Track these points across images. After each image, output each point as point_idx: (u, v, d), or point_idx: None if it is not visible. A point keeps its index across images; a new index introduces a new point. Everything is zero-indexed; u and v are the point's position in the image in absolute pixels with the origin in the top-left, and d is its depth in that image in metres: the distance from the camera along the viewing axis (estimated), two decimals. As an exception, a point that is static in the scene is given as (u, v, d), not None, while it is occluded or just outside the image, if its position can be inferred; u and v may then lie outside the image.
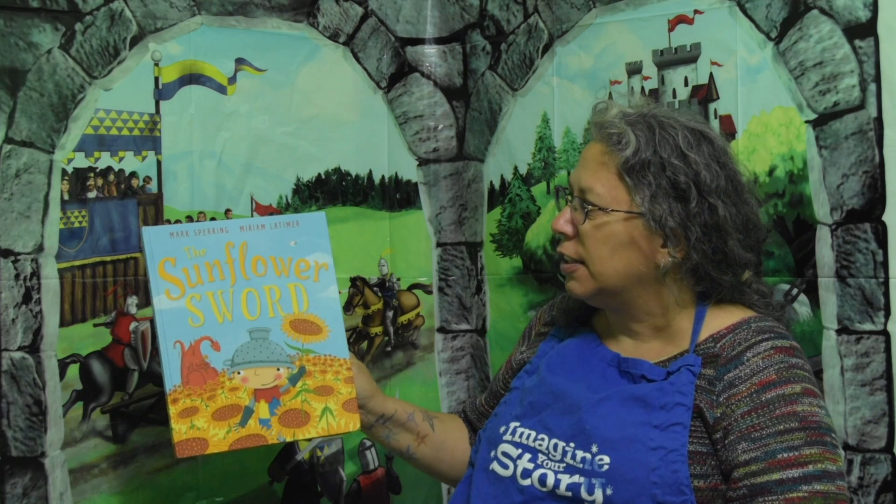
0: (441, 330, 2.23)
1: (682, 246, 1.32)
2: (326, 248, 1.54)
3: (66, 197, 1.74)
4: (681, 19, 1.79)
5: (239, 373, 1.45)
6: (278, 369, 1.48)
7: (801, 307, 1.64)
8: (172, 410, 1.42)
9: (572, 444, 1.32)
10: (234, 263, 1.49)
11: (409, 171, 2.20)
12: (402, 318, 2.20)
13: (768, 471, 1.22)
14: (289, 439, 1.47)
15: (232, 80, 1.93)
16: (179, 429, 1.41)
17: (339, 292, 1.57)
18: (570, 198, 1.41)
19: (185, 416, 1.42)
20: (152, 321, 1.82)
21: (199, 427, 1.42)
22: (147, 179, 1.84)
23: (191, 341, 1.44)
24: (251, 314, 1.48)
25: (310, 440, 2.05)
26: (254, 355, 1.47)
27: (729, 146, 1.40)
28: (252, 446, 1.45)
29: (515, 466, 1.36)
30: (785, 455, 1.22)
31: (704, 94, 1.77)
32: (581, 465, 1.29)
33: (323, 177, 2.07)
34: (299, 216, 1.56)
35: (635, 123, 1.35)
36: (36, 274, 1.71)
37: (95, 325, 1.78)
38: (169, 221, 1.84)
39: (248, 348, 1.47)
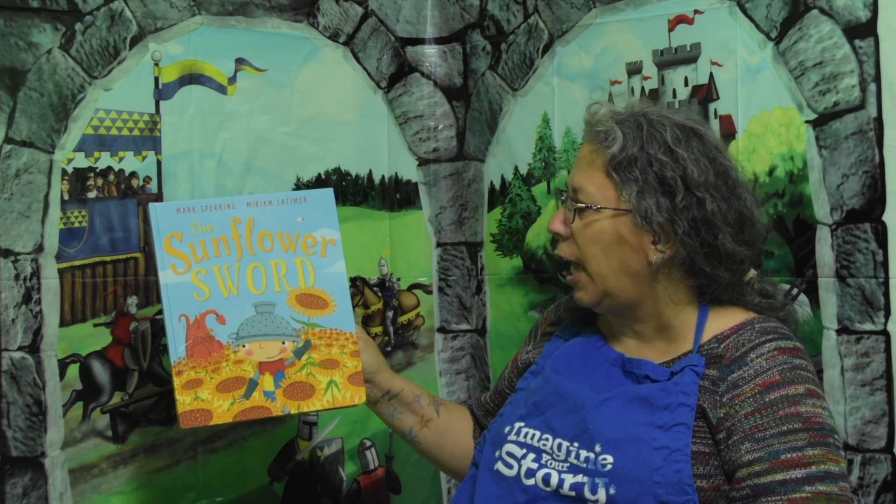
0: (441, 330, 2.23)
1: (671, 241, 1.33)
2: (334, 224, 1.55)
3: (66, 197, 1.74)
4: (681, 19, 1.79)
5: (244, 346, 1.46)
6: (283, 343, 1.49)
7: (802, 307, 1.64)
8: (177, 382, 1.43)
9: (576, 444, 1.32)
10: (240, 239, 1.50)
11: (409, 171, 2.20)
12: (402, 318, 2.20)
13: (772, 471, 1.22)
14: (293, 411, 1.48)
15: (232, 80, 1.93)
16: (184, 400, 1.42)
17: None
18: (564, 198, 1.41)
19: (190, 387, 1.43)
20: (153, 321, 1.83)
21: (203, 399, 1.43)
22: (147, 179, 1.84)
23: (196, 315, 1.46)
24: (257, 289, 1.49)
25: (311, 440, 2.05)
26: (259, 329, 1.48)
27: (722, 143, 1.40)
28: (256, 418, 1.47)
29: (519, 466, 1.36)
30: (788, 456, 1.22)
31: (704, 94, 1.77)
32: (584, 465, 1.29)
33: (323, 177, 2.07)
34: (307, 192, 1.57)
35: (624, 121, 1.35)
36: (36, 274, 1.71)
37: (95, 325, 1.78)
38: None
39: (253, 322, 1.48)
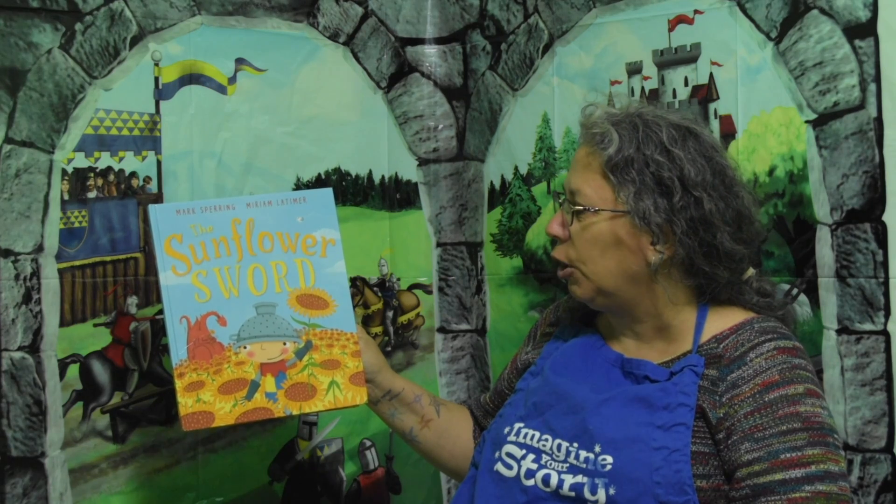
0: (441, 330, 2.23)
1: (670, 242, 1.33)
2: (334, 224, 1.55)
3: (66, 197, 1.74)
4: (681, 19, 1.79)
5: (245, 347, 1.46)
6: (284, 343, 1.48)
7: (802, 307, 1.64)
8: (178, 384, 1.42)
9: (575, 445, 1.32)
10: (240, 240, 1.50)
11: (409, 171, 2.20)
12: (402, 318, 2.20)
13: (771, 471, 1.22)
14: (295, 412, 1.48)
15: (232, 80, 1.93)
16: (186, 402, 1.42)
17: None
18: (562, 201, 1.42)
19: (191, 389, 1.43)
20: (153, 321, 1.83)
21: (205, 400, 1.43)
22: (147, 179, 1.84)
23: (197, 316, 1.45)
24: (257, 290, 1.49)
25: (311, 440, 2.05)
26: (260, 330, 1.47)
27: (718, 141, 1.40)
28: (258, 419, 1.47)
29: (519, 467, 1.36)
30: (788, 455, 1.22)
31: (704, 94, 1.77)
32: (584, 466, 1.29)
33: (323, 177, 2.07)
34: (306, 192, 1.57)
35: (619, 123, 1.35)
36: (36, 274, 1.71)
37: (95, 325, 1.78)
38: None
39: (254, 323, 1.48)
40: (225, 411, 1.44)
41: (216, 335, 1.46)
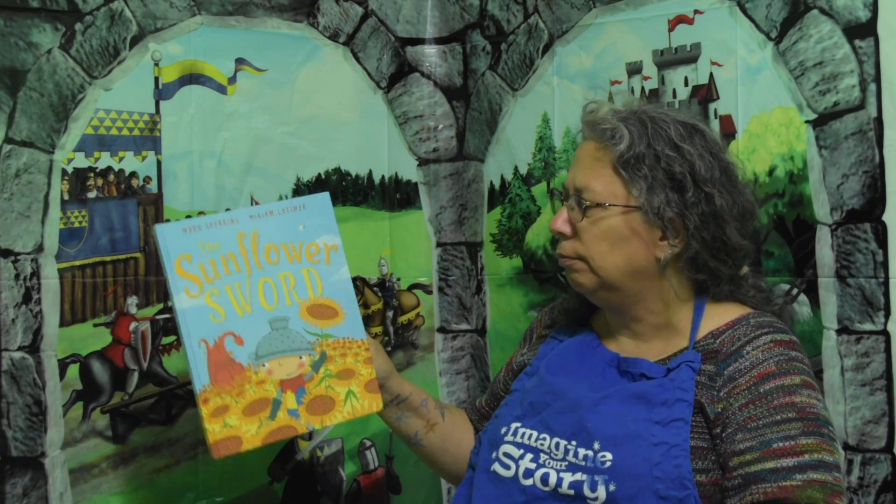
0: (441, 330, 2.23)
1: (681, 236, 1.33)
2: (333, 229, 1.53)
3: (66, 197, 1.74)
4: (681, 19, 1.79)
5: (264, 365, 1.44)
6: (301, 357, 1.47)
7: (801, 307, 1.64)
8: (204, 411, 1.40)
9: (574, 443, 1.32)
10: (247, 254, 1.48)
11: (409, 171, 2.20)
12: (402, 318, 2.20)
13: (762, 459, 1.22)
14: (318, 427, 1.46)
15: (232, 80, 1.93)
16: (213, 429, 1.40)
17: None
18: (563, 198, 1.41)
19: (218, 415, 1.40)
20: (153, 321, 1.83)
21: (231, 425, 1.41)
22: (147, 179, 1.84)
23: (215, 338, 1.42)
24: (269, 304, 1.47)
25: (311, 440, 2.05)
26: (276, 346, 1.46)
27: (720, 139, 1.41)
28: (283, 438, 1.45)
29: (517, 466, 1.36)
30: (780, 444, 1.22)
31: (704, 94, 1.77)
32: (583, 463, 1.29)
33: (323, 177, 2.07)
34: (304, 199, 1.55)
35: (627, 119, 1.36)
36: (36, 274, 1.71)
37: (95, 325, 1.78)
38: (168, 221, 1.83)
39: (269, 339, 1.46)
40: (251, 433, 1.41)
41: (234, 356, 1.42)
